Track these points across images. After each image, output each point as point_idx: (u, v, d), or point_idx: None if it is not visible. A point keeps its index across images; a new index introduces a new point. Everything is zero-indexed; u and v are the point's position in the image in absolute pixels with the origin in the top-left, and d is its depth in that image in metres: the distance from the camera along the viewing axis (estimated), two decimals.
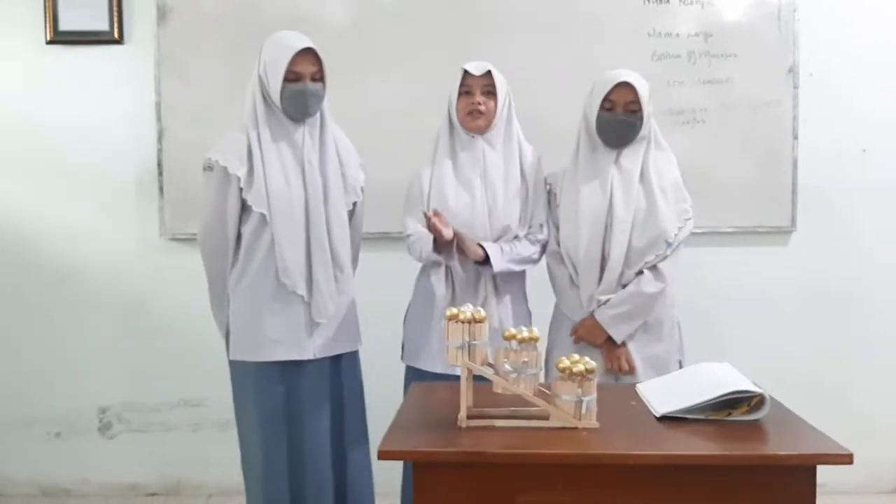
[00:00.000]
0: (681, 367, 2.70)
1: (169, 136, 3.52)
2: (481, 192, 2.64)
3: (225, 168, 2.55)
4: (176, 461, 3.66)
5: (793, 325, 3.57)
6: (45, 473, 3.67)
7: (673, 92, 3.47)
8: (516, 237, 2.65)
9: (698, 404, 1.86)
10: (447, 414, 1.86)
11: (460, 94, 2.63)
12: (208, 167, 2.60)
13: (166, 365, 3.61)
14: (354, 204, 2.70)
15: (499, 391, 1.83)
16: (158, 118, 3.52)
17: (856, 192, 3.55)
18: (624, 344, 2.62)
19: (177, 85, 3.51)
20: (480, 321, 1.83)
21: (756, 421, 1.84)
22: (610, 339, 2.61)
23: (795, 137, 3.50)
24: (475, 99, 2.61)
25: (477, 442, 1.73)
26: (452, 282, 2.66)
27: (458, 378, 1.84)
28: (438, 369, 2.54)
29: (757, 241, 3.56)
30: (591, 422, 1.81)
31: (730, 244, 3.53)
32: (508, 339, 1.84)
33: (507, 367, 1.81)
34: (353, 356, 2.73)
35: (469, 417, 1.82)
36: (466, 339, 1.80)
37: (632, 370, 2.61)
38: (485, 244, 2.59)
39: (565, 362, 1.81)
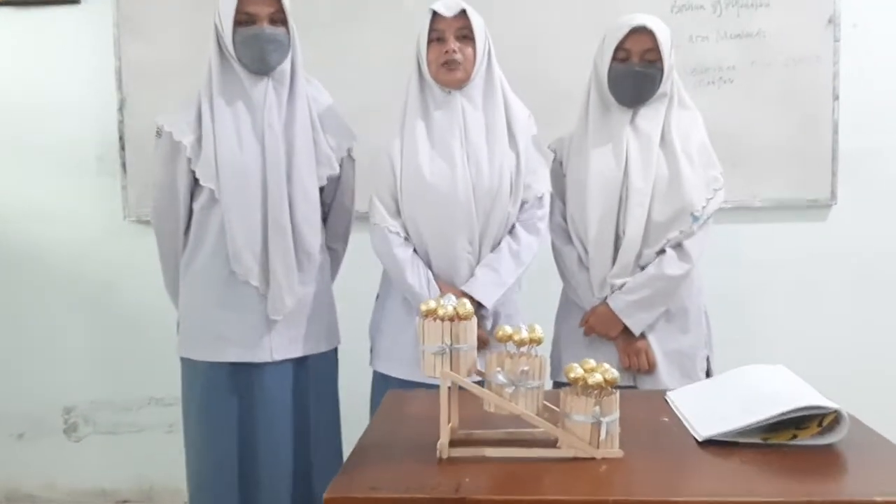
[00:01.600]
0: (708, 363, 2.23)
1: (131, 105, 3.09)
2: (462, 160, 2.12)
3: (171, 134, 2.11)
4: (148, 465, 3.26)
5: (834, 311, 3.08)
6: (8, 478, 3.31)
7: (696, 48, 2.99)
8: (511, 229, 2.18)
9: (753, 424, 1.37)
10: (426, 436, 1.38)
11: (430, 40, 2.13)
12: (157, 133, 2.20)
13: (135, 360, 3.19)
14: (338, 177, 2.22)
15: (491, 410, 1.34)
16: (119, 85, 3.09)
17: None
18: (643, 336, 2.14)
19: (138, 48, 3.07)
20: (466, 318, 1.34)
21: (830, 446, 1.35)
22: (626, 331, 2.14)
23: (836, 98, 3.00)
24: (449, 46, 2.10)
25: (460, 481, 1.24)
26: (430, 268, 2.16)
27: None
28: (415, 377, 2.00)
29: (792, 216, 3.06)
30: (613, 450, 1.32)
31: (761, 220, 3.04)
32: (503, 340, 1.35)
33: (501, 377, 1.32)
34: (326, 358, 2.25)
35: (452, 444, 1.34)
36: (447, 341, 1.32)
37: (652, 368, 2.13)
38: (467, 288, 2.12)
39: (577, 371, 1.32)
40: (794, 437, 1.37)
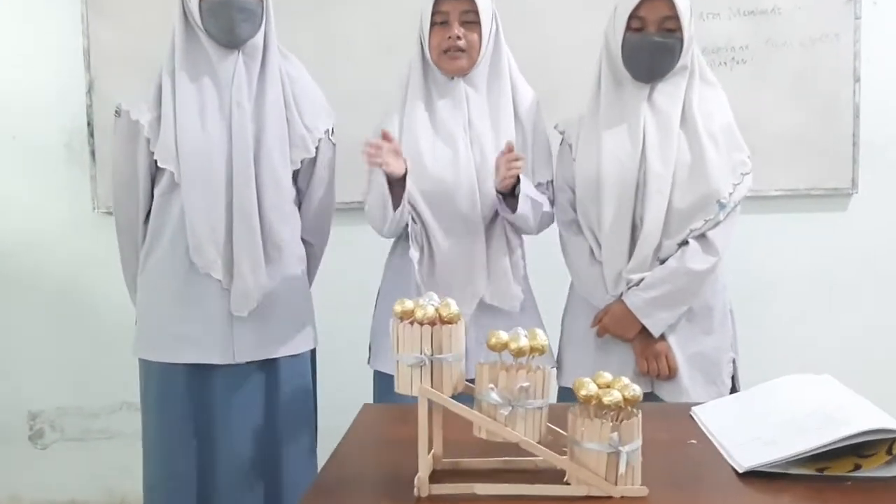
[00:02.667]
0: (734, 367, 1.94)
1: (100, 89, 2.80)
2: (465, 147, 1.91)
3: (128, 113, 1.88)
4: (120, 474, 2.95)
5: (854, 305, 2.79)
6: None
7: (708, 26, 2.69)
8: None
9: (806, 452, 1.08)
10: (403, 466, 1.09)
11: (433, 24, 1.91)
12: (116, 113, 1.95)
13: (105, 362, 2.89)
14: (314, 161, 1.95)
15: (482, 436, 1.05)
16: (88, 67, 2.80)
17: None
18: (663, 337, 1.85)
19: (108, 27, 2.77)
20: (451, 321, 1.05)
21: None
22: (644, 332, 1.85)
23: (857, 80, 2.72)
24: (452, 31, 1.88)
25: None
26: (432, 258, 1.90)
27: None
28: None
29: (810, 205, 2.78)
30: (635, 487, 1.03)
31: (777, 210, 2.75)
32: (496, 348, 1.06)
33: (495, 396, 1.03)
34: (299, 361, 1.96)
35: (434, 478, 1.05)
36: (427, 351, 1.03)
37: (673, 373, 1.85)
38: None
39: (590, 387, 1.03)
40: (857, 467, 1.08)
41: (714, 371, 1.89)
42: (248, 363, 1.86)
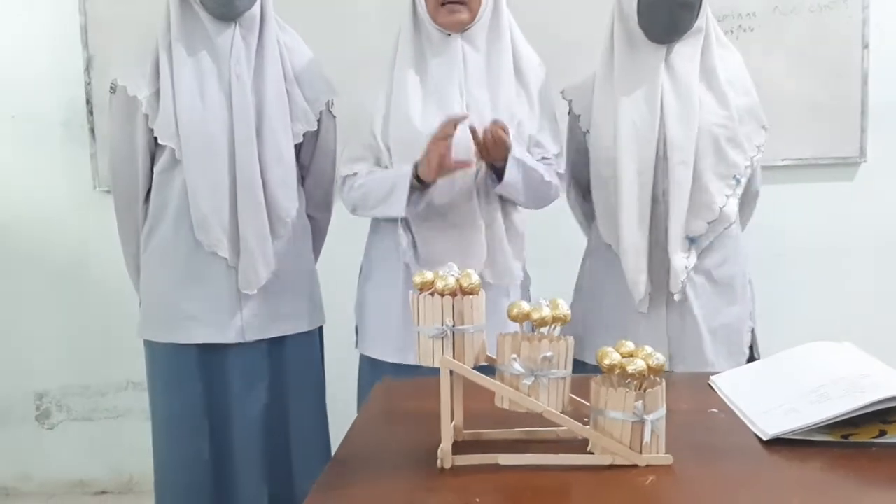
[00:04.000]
0: (753, 336, 1.92)
1: (98, 66, 2.77)
2: (461, 108, 1.76)
3: (125, 88, 1.83)
4: (127, 454, 2.95)
5: (864, 275, 2.79)
6: None
7: None
8: None
9: (831, 419, 1.07)
10: (424, 439, 1.08)
11: None
12: (111, 89, 1.90)
13: (111, 341, 2.88)
14: (316, 134, 1.93)
15: (504, 406, 1.04)
16: (85, 44, 2.78)
17: None
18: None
19: (106, 2, 2.73)
20: (472, 292, 1.04)
21: None
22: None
23: (865, 46, 2.69)
24: None
25: (468, 500, 0.95)
26: (424, 234, 1.79)
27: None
28: (409, 360, 1.66)
29: (818, 175, 2.76)
30: (660, 455, 1.02)
31: (785, 180, 2.71)
32: (518, 319, 1.05)
33: (518, 366, 1.02)
34: (308, 339, 1.95)
35: (457, 450, 1.04)
36: (448, 322, 1.02)
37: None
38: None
39: (613, 356, 1.02)
40: (883, 433, 1.07)
41: (736, 341, 1.87)
42: (256, 342, 1.84)
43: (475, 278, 1.04)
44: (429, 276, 1.05)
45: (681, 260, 1.79)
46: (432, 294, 1.03)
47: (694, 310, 1.82)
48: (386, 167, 1.80)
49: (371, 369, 1.87)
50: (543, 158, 1.83)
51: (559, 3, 2.62)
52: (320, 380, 1.99)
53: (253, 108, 1.80)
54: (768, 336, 1.96)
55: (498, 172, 1.74)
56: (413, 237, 1.79)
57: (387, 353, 1.83)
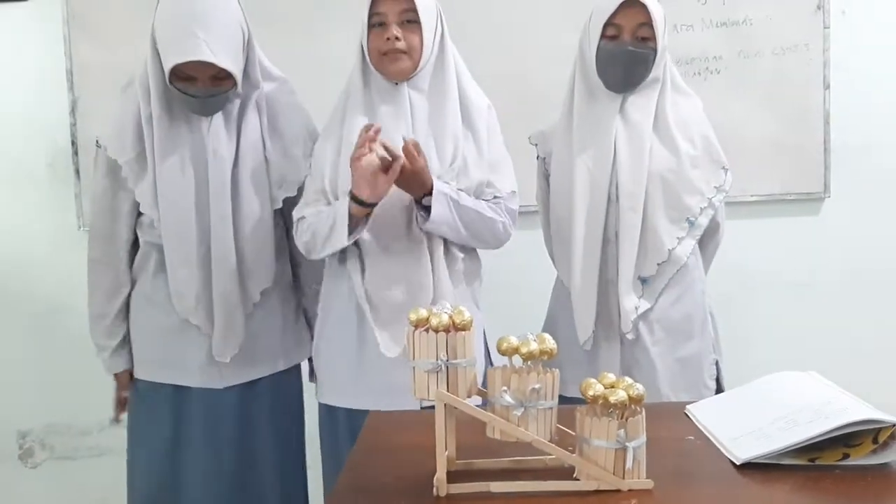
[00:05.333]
0: (718, 369, 2.01)
1: (83, 109, 2.82)
2: None
3: (106, 149, 1.88)
4: (111, 492, 2.86)
5: (827, 308, 2.87)
6: None
7: (681, 38, 2.76)
8: None
9: (799, 444, 1.15)
10: (418, 470, 1.15)
11: (371, 26, 1.81)
12: (97, 144, 1.94)
13: (94, 379, 2.76)
14: (300, 190, 1.93)
15: (496, 436, 1.11)
16: (71, 87, 2.82)
17: None
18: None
19: (91, 47, 2.79)
20: (464, 328, 1.11)
21: (888, 465, 1.14)
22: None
23: (827, 87, 2.81)
24: (390, 32, 1.77)
25: None
26: (370, 280, 1.80)
27: (430, 410, 1.12)
28: (364, 405, 1.65)
29: (784, 210, 2.86)
30: (642, 480, 1.10)
31: (751, 215, 2.82)
32: (507, 353, 1.12)
33: (508, 398, 1.09)
34: (286, 375, 2.00)
35: (451, 479, 1.11)
36: (443, 357, 1.09)
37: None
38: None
39: (597, 388, 1.10)
40: (846, 456, 1.15)
41: (695, 375, 1.93)
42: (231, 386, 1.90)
43: (467, 315, 1.12)
44: (423, 312, 1.12)
45: (631, 301, 1.86)
46: (427, 330, 1.10)
47: (648, 346, 1.89)
48: None
49: (329, 417, 1.89)
50: (495, 198, 1.85)
51: (524, 56, 2.70)
52: (299, 414, 2.03)
53: (229, 184, 1.81)
54: (735, 368, 2.02)
55: (427, 210, 1.75)
56: (363, 274, 1.80)
57: (340, 399, 1.86)
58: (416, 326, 1.11)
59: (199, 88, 1.77)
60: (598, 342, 1.92)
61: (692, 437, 1.29)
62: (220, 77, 1.77)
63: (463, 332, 1.10)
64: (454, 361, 1.09)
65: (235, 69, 1.76)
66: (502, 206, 1.85)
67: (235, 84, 1.79)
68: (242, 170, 1.83)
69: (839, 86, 2.79)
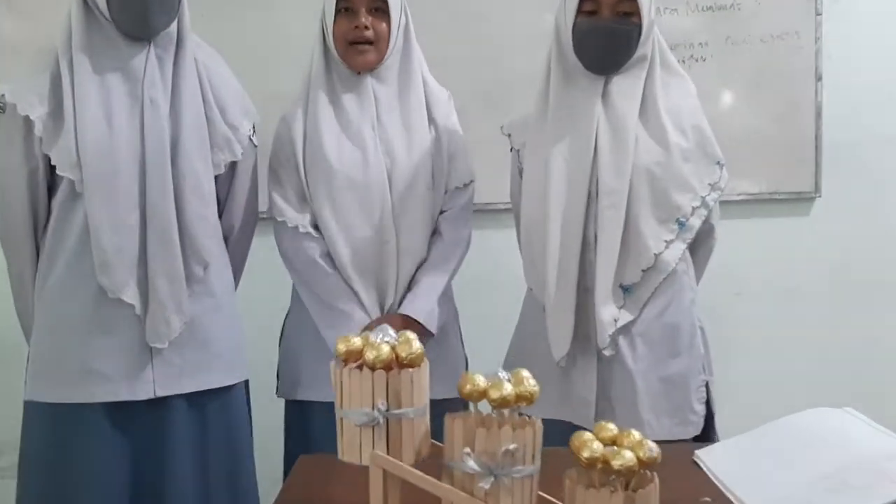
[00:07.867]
0: (708, 391, 1.69)
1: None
2: (375, 147, 1.72)
3: (15, 106, 1.55)
4: None
5: (819, 313, 2.63)
6: None
7: (665, 22, 2.46)
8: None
9: None
10: None
11: (337, 11, 1.70)
12: (0, 108, 1.61)
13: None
14: (234, 165, 1.68)
15: None
16: None
17: (895, 146, 2.62)
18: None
19: (17, 23, 2.48)
20: (411, 364, 0.79)
21: None
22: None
23: (819, 79, 2.55)
24: (360, 20, 1.68)
25: None
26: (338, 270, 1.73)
27: None
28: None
29: (773, 210, 2.61)
30: None
31: (739, 215, 2.53)
32: (471, 397, 0.80)
33: (473, 463, 0.76)
34: (234, 393, 1.68)
35: None
36: (381, 405, 0.76)
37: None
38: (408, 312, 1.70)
39: (594, 447, 0.78)
40: None
41: (681, 397, 1.62)
42: (171, 397, 1.57)
43: (416, 345, 0.79)
44: (356, 341, 0.79)
45: (609, 311, 1.58)
46: (360, 367, 0.77)
47: (628, 364, 1.60)
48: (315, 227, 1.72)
49: (302, 416, 1.74)
50: (456, 188, 1.78)
51: (497, 41, 2.43)
52: (246, 439, 1.72)
53: (168, 136, 1.55)
54: (719, 379, 1.74)
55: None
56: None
57: (308, 391, 1.73)
58: (346, 361, 0.78)
59: None
60: (574, 357, 1.63)
61: (709, 500, 0.98)
62: None
63: (410, 370, 0.77)
64: (397, 412, 0.76)
65: None
66: (457, 209, 1.78)
67: (176, 14, 1.57)
68: (183, 124, 1.58)
69: (832, 77, 2.55)
